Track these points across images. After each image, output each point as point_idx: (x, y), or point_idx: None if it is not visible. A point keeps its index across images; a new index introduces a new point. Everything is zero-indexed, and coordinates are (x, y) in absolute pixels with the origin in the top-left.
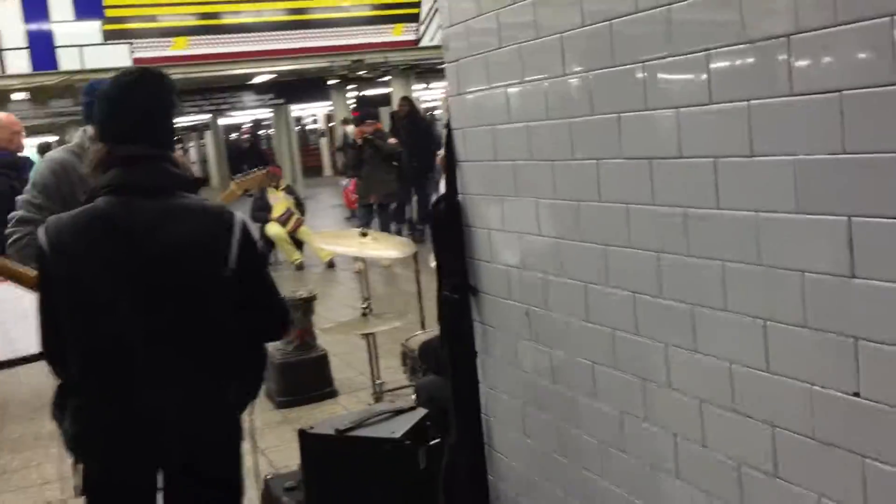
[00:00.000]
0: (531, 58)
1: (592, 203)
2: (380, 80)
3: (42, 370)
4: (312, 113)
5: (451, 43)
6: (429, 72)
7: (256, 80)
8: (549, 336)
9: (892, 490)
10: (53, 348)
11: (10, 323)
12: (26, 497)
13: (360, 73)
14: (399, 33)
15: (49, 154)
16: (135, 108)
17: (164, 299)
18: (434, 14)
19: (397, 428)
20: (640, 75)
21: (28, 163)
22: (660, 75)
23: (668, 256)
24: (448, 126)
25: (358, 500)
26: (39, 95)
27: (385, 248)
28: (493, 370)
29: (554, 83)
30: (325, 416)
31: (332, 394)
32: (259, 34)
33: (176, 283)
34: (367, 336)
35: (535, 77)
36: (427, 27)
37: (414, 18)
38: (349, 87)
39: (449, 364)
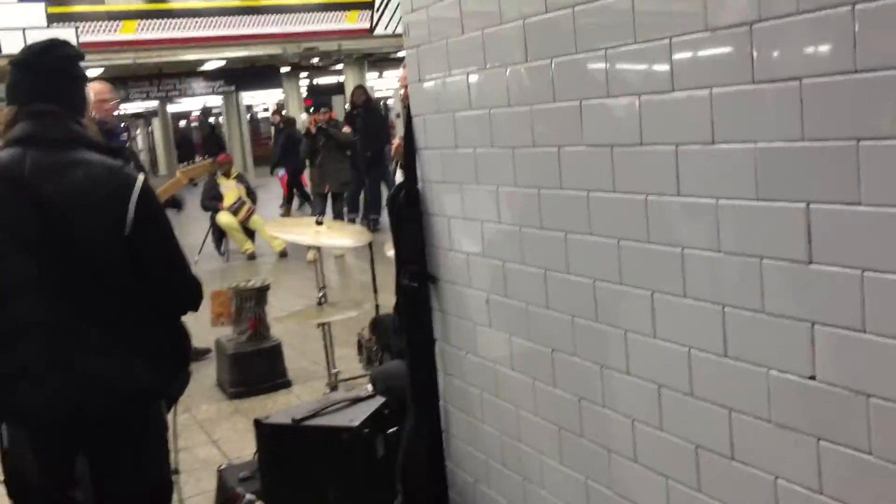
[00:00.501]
0: (493, 44)
1: (553, 190)
2: (332, 68)
3: None
4: (263, 101)
5: (412, 29)
6: (383, 60)
7: (206, 66)
8: (509, 323)
9: (845, 471)
10: None
11: None
12: None
13: (313, 60)
14: (353, 21)
15: None
16: (42, 71)
17: (58, 251)
18: (388, 1)
19: (355, 416)
20: (602, 63)
21: (119, 130)
22: (622, 63)
23: (628, 243)
24: (407, 113)
25: (315, 489)
26: None
27: (340, 236)
28: (452, 357)
29: (515, 70)
30: (279, 407)
31: (286, 384)
32: (210, 19)
33: (71, 236)
34: (322, 326)
35: (497, 64)
36: (381, 15)
37: (368, 6)
38: (302, 75)
39: (407, 352)
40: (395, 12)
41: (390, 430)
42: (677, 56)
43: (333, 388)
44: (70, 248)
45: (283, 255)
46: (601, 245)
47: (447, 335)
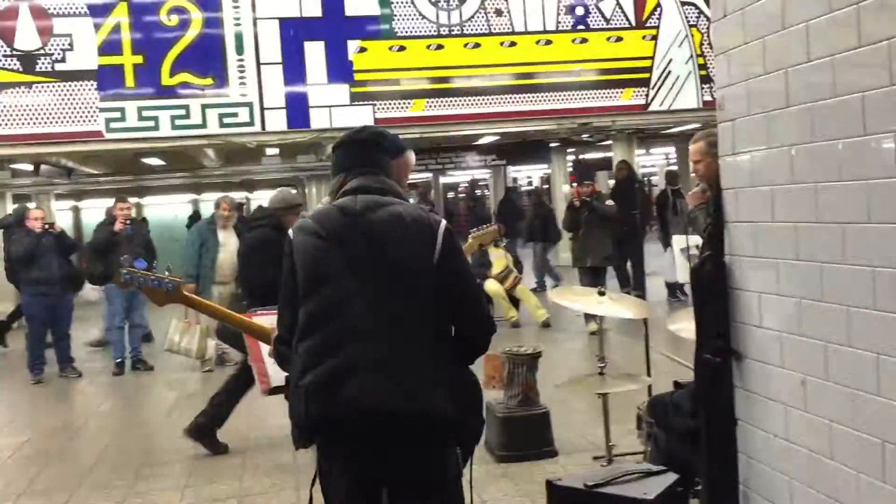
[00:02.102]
0: (824, 118)
1: (892, 270)
2: (601, 143)
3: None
4: (528, 175)
5: (728, 103)
6: (652, 137)
7: (481, 140)
8: (830, 408)
9: None
10: (287, 326)
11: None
12: None
13: (584, 136)
14: (628, 97)
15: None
16: (360, 144)
17: (379, 271)
18: (665, 79)
19: (649, 489)
20: None
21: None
22: None
23: None
24: (717, 187)
25: None
26: (288, 151)
27: (620, 308)
28: (757, 440)
29: (851, 144)
30: (546, 475)
31: (553, 453)
32: (488, 97)
33: (389, 256)
34: (602, 396)
35: (828, 137)
36: (657, 91)
37: (644, 83)
38: (569, 149)
39: (704, 430)
40: (671, 88)
41: None
42: None
43: (609, 461)
44: (387, 267)
45: (545, 325)
46: None
47: (751, 415)
